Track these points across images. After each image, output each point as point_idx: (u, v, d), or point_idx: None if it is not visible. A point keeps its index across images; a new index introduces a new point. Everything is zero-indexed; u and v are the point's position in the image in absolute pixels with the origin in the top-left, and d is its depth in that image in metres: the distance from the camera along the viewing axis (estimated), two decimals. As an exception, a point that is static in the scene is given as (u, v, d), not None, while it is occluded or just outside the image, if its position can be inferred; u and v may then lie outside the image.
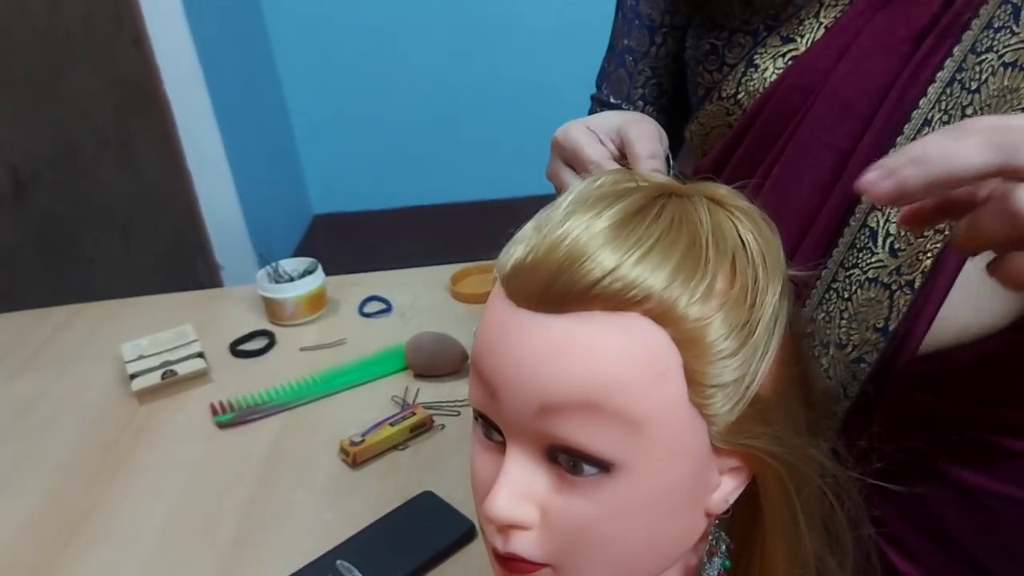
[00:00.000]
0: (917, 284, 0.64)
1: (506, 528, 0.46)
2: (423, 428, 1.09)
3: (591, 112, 0.94)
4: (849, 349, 0.68)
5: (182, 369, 1.23)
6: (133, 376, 1.22)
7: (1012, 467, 0.69)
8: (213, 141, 2.63)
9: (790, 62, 0.70)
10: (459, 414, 1.12)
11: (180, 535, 0.97)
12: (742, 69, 0.73)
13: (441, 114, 3.39)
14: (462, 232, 2.72)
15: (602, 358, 0.42)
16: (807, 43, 0.70)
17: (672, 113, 0.90)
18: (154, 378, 1.21)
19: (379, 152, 3.46)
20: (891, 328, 0.65)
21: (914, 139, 0.62)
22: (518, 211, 0.49)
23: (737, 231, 0.46)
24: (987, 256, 0.62)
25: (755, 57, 0.72)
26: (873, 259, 0.66)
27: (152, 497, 1.03)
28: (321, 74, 3.33)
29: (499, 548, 0.47)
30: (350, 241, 3.35)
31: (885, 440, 0.68)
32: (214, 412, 1.16)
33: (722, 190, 0.49)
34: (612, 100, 0.90)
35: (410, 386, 1.19)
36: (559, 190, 0.72)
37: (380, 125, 3.41)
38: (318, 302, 1.38)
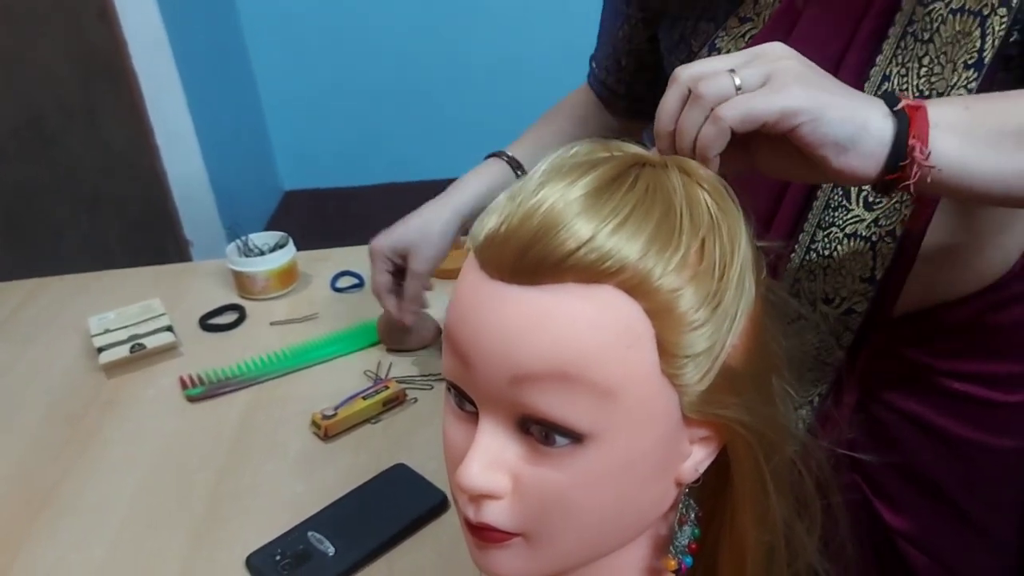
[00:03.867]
0: (899, 232, 0.65)
1: (478, 498, 0.46)
2: (396, 402, 1.09)
3: (588, 76, 1.04)
4: (837, 302, 0.70)
5: (150, 343, 1.22)
6: (100, 350, 1.20)
7: (992, 417, 0.74)
8: (181, 114, 2.58)
9: (750, 41, 0.71)
10: (431, 388, 1.12)
11: (150, 508, 0.96)
12: (705, 53, 0.74)
13: (412, 91, 3.36)
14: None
15: (575, 330, 0.42)
16: (764, 20, 0.71)
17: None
18: (122, 351, 1.20)
19: (350, 129, 3.43)
20: (878, 277, 0.67)
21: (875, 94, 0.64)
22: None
23: (706, 201, 0.46)
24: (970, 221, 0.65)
25: (716, 40, 0.74)
26: (849, 216, 0.67)
27: (122, 470, 1.02)
28: (291, 49, 3.28)
29: (471, 518, 0.47)
30: (321, 218, 3.32)
31: (874, 397, 0.72)
32: (184, 386, 1.15)
33: (692, 162, 0.49)
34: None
35: (382, 360, 1.18)
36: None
37: (351, 101, 3.37)
38: (289, 276, 1.37)
